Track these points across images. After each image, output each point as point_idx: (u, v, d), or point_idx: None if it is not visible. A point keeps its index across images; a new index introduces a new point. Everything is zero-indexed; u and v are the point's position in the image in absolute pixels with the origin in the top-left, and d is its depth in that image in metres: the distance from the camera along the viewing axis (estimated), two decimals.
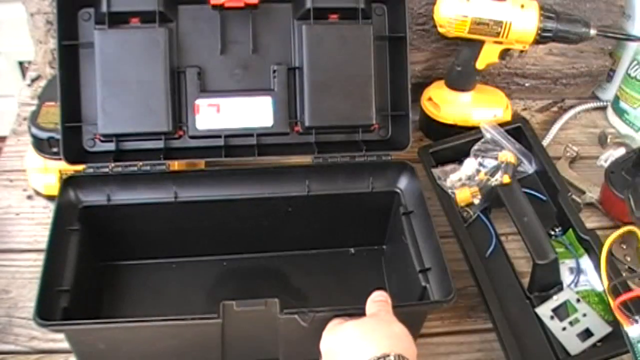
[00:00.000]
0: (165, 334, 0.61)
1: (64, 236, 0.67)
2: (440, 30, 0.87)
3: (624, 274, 0.74)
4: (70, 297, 0.62)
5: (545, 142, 0.97)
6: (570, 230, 0.80)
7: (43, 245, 0.64)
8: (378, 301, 0.60)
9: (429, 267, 0.68)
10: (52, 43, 0.95)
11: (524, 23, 0.83)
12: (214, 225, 0.73)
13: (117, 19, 0.71)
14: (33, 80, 1.03)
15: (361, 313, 0.58)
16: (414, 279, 0.69)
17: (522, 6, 0.83)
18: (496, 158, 0.86)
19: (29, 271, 0.75)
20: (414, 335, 0.57)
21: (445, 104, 0.94)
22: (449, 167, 0.87)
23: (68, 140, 0.71)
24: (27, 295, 0.73)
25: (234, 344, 0.61)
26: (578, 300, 0.73)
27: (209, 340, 0.61)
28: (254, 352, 0.63)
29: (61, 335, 0.62)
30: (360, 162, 0.76)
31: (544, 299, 0.73)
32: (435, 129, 0.95)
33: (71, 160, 0.71)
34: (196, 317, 0.61)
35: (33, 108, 0.81)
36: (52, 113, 0.77)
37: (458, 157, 0.88)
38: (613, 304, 0.62)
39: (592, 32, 0.84)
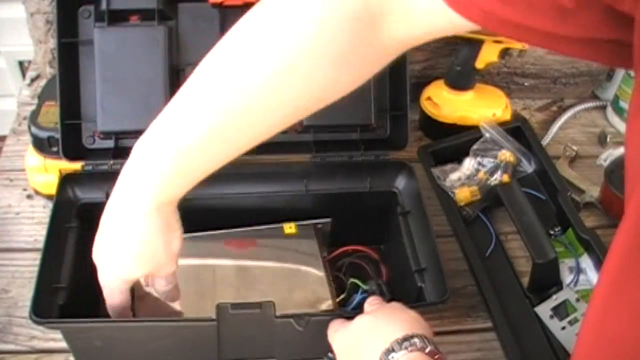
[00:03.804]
0: (161, 333, 0.61)
1: (62, 233, 0.67)
2: None
3: None
4: (67, 294, 0.62)
5: (544, 142, 0.96)
6: (570, 229, 0.80)
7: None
8: (376, 303, 0.59)
9: (424, 268, 0.68)
10: (52, 43, 0.95)
11: None
12: (211, 223, 0.73)
13: (117, 17, 0.72)
14: (33, 80, 1.03)
15: None
16: (410, 279, 0.69)
17: None
18: (496, 157, 0.86)
19: (28, 271, 0.75)
20: None
21: (445, 103, 0.94)
22: (448, 167, 0.87)
23: (67, 137, 0.71)
24: (27, 294, 0.72)
25: (229, 344, 0.61)
26: (577, 300, 0.73)
27: (205, 340, 0.61)
28: (249, 352, 0.63)
29: (61, 335, 0.62)
30: (358, 161, 0.76)
31: (543, 298, 0.73)
32: (435, 129, 0.95)
33: (70, 158, 0.71)
34: (191, 319, 0.61)
35: (33, 108, 0.81)
36: (52, 113, 0.77)
37: (457, 156, 0.88)
38: None
39: None
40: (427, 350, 0.50)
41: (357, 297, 0.68)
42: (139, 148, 0.53)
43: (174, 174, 0.53)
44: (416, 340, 0.50)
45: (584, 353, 0.40)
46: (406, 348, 0.49)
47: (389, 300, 0.60)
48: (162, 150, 0.52)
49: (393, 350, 0.50)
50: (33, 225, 0.81)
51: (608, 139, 0.98)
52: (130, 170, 0.54)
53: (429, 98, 0.96)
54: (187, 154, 0.52)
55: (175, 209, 0.56)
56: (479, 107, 0.94)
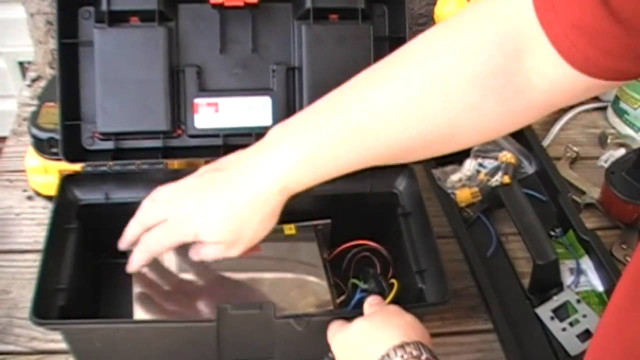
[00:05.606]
0: (161, 334, 0.61)
1: (62, 234, 0.66)
2: None
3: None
4: (68, 296, 0.62)
5: (545, 143, 0.96)
6: (571, 230, 0.80)
7: None
8: (376, 303, 0.60)
9: (425, 269, 0.68)
10: (52, 43, 0.95)
11: None
12: None
13: (117, 18, 0.71)
14: (33, 81, 1.03)
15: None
16: (410, 280, 0.69)
17: None
18: (496, 158, 0.86)
19: (29, 272, 0.75)
20: None
21: None
22: (449, 168, 0.87)
23: (67, 138, 0.71)
24: (28, 295, 0.71)
25: (229, 345, 0.61)
26: (578, 301, 0.73)
27: (205, 341, 0.61)
28: (249, 353, 0.63)
29: (61, 336, 0.62)
30: None
31: (544, 300, 0.73)
32: None
33: (70, 159, 0.71)
34: (191, 320, 0.60)
35: (33, 108, 0.81)
36: (52, 113, 0.77)
37: (458, 157, 0.88)
38: None
39: None
40: (423, 357, 0.50)
41: (357, 296, 0.68)
42: (280, 130, 0.57)
43: (301, 167, 0.56)
44: (411, 347, 0.50)
45: (598, 355, 0.40)
46: (401, 356, 0.50)
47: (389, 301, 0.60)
48: (301, 140, 0.55)
49: (388, 357, 0.50)
50: (33, 227, 0.81)
51: (608, 140, 0.97)
52: (265, 147, 0.57)
53: None
54: (321, 150, 0.55)
55: (284, 201, 0.58)
56: None
